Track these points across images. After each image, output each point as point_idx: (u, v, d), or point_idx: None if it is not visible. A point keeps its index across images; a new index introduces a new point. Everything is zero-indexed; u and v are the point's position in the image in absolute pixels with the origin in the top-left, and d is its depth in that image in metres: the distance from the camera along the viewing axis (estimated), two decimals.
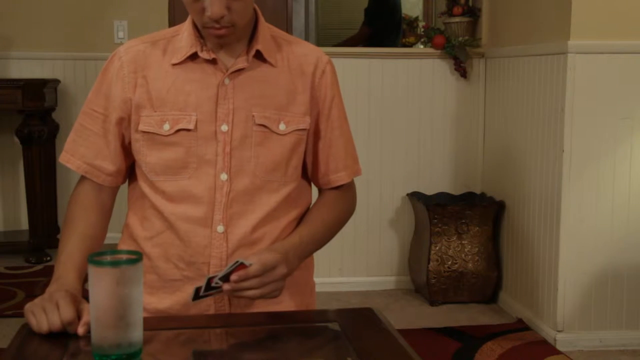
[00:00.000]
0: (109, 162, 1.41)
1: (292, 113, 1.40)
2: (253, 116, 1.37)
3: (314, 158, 1.47)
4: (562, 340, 2.82)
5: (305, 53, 1.45)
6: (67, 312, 1.13)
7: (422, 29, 4.33)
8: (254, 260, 1.25)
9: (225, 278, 1.23)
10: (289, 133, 1.39)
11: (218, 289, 1.23)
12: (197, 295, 1.23)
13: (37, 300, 1.18)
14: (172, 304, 1.38)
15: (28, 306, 1.16)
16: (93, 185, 1.43)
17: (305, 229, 1.42)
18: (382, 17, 4.95)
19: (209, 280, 1.23)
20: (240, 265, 1.23)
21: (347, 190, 1.51)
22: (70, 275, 1.30)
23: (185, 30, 1.41)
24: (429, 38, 3.63)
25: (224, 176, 1.36)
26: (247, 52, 1.38)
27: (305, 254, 1.40)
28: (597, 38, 2.72)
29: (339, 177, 1.48)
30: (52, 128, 4.17)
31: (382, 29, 4.89)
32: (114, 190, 1.46)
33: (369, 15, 5.07)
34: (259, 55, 1.39)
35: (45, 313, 1.14)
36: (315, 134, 1.45)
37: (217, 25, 1.30)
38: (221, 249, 1.36)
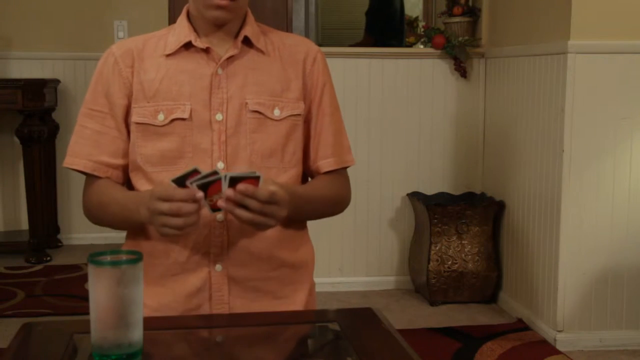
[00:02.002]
0: (115, 158, 1.43)
1: (287, 99, 1.42)
2: (246, 103, 1.39)
3: (305, 145, 1.48)
4: (562, 340, 2.82)
5: (295, 43, 1.48)
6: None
7: (422, 29, 4.33)
8: (270, 186, 1.24)
9: (233, 182, 1.19)
10: (284, 119, 1.41)
11: (215, 178, 1.18)
12: (180, 181, 1.19)
13: (154, 219, 1.23)
14: (174, 298, 1.38)
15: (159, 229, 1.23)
16: (103, 179, 1.43)
17: (308, 188, 1.43)
18: (383, 19, 4.94)
19: (213, 172, 1.19)
20: (253, 180, 1.19)
21: (340, 177, 1.51)
22: (142, 193, 1.35)
23: (177, 26, 1.44)
24: (429, 38, 3.63)
25: (220, 165, 1.37)
26: (236, 40, 1.41)
27: (301, 210, 1.39)
28: (597, 38, 2.72)
29: (327, 163, 1.48)
30: (52, 128, 4.17)
31: (384, 33, 4.88)
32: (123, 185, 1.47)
33: (369, 19, 5.05)
34: (248, 43, 1.42)
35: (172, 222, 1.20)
36: (306, 121, 1.47)
37: None
38: (222, 237, 1.36)
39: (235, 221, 1.35)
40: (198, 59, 1.40)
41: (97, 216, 1.44)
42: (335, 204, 1.51)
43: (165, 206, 1.20)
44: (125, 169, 1.45)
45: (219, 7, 1.35)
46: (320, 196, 1.46)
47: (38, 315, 3.15)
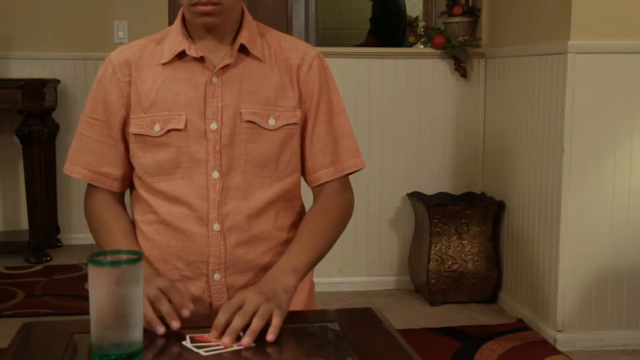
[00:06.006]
0: (113, 167, 1.42)
1: (283, 107, 1.40)
2: (241, 113, 1.37)
3: (302, 154, 1.46)
4: (562, 340, 2.82)
5: (292, 48, 1.45)
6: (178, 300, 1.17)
7: (422, 29, 4.33)
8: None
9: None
10: (279, 128, 1.39)
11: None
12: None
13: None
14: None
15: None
16: (104, 191, 1.44)
17: (297, 243, 1.39)
18: (387, 26, 4.97)
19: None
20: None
21: (342, 191, 1.48)
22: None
23: (173, 31, 1.42)
24: (429, 38, 3.63)
25: (215, 174, 1.36)
26: (232, 47, 1.39)
27: (304, 266, 1.35)
28: (597, 38, 2.72)
29: (326, 174, 1.46)
30: (52, 128, 4.17)
31: (389, 37, 4.91)
32: (123, 195, 1.47)
33: (374, 25, 5.07)
34: (245, 51, 1.40)
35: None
36: (303, 130, 1.45)
37: (204, 0, 1.31)
38: (219, 247, 1.36)
39: (231, 230, 1.36)
40: (193, 68, 1.38)
41: (93, 236, 1.44)
42: (344, 222, 1.49)
43: (153, 294, 1.17)
44: (124, 178, 1.44)
45: (204, 13, 1.32)
46: (320, 238, 1.42)
47: (38, 315, 3.16)
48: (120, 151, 1.42)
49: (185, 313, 1.15)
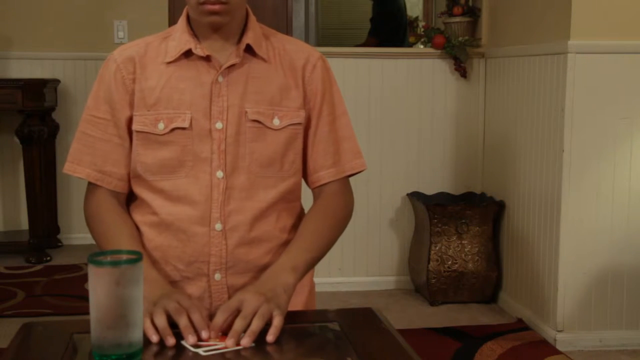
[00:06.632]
0: (119, 166, 1.41)
1: (287, 107, 1.41)
2: (246, 112, 1.38)
3: (303, 154, 1.47)
4: (562, 340, 2.82)
5: (296, 49, 1.46)
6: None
7: (422, 29, 4.34)
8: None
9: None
10: (283, 128, 1.40)
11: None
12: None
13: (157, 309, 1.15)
14: None
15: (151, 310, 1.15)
16: (106, 192, 1.42)
17: (297, 242, 1.39)
18: (388, 26, 4.97)
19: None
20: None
21: (342, 192, 1.49)
22: (153, 273, 1.31)
23: (178, 29, 1.42)
24: (429, 38, 3.63)
25: (219, 174, 1.36)
26: (238, 47, 1.39)
27: (304, 264, 1.36)
28: (597, 38, 2.72)
29: (328, 174, 1.46)
30: (52, 128, 4.17)
31: (389, 37, 4.91)
32: (125, 196, 1.45)
33: (374, 25, 5.08)
34: (250, 51, 1.40)
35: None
36: (305, 130, 1.45)
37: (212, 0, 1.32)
38: (220, 247, 1.36)
39: (233, 230, 1.36)
40: (199, 67, 1.38)
41: (95, 238, 1.42)
42: (344, 222, 1.49)
43: (173, 307, 1.16)
44: (129, 178, 1.43)
45: (212, 12, 1.33)
46: (320, 237, 1.42)
47: (38, 315, 3.16)
48: (127, 149, 1.41)
49: (205, 335, 1.12)
